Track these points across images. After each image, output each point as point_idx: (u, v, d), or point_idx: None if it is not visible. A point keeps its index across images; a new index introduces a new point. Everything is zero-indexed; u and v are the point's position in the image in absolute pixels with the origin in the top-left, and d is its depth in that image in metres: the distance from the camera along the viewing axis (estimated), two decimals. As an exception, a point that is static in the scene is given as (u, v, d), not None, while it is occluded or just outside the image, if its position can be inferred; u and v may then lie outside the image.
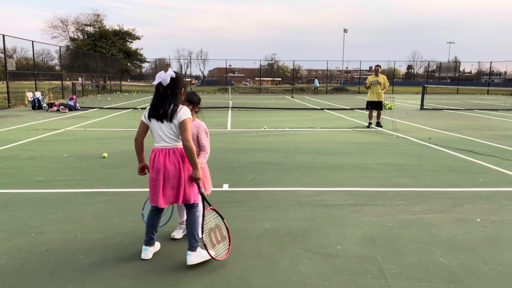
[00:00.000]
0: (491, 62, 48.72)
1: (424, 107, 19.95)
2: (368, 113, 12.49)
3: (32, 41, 22.90)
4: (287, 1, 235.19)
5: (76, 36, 46.00)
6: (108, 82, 38.95)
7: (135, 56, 48.21)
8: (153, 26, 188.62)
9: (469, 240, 3.77)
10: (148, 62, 53.27)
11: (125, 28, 47.64)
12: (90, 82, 34.80)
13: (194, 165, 3.15)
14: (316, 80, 43.00)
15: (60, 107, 16.83)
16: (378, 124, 12.06)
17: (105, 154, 7.43)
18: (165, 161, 3.13)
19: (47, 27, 50.41)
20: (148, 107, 3.21)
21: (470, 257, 3.42)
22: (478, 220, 4.30)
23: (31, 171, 6.29)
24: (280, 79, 74.35)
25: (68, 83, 28.67)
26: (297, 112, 17.60)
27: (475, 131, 11.44)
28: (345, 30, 64.75)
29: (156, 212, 3.34)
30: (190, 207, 3.27)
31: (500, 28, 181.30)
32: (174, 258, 3.36)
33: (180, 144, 3.17)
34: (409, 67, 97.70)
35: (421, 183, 5.78)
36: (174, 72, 3.15)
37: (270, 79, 72.06)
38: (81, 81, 31.01)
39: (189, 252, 3.20)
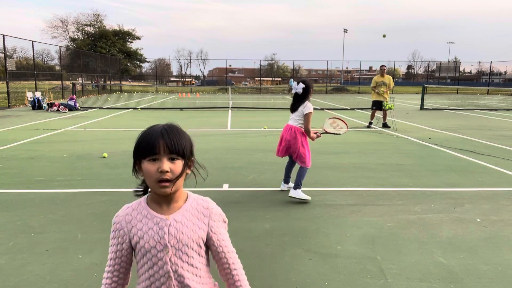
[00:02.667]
0: (491, 62, 48.80)
1: (424, 107, 19.94)
2: (371, 113, 12.49)
3: (32, 41, 22.91)
4: (287, 1, 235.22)
5: (76, 36, 45.96)
6: (108, 82, 38.96)
7: (135, 56, 48.17)
8: (153, 26, 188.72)
9: (469, 240, 3.77)
10: (148, 62, 53.26)
11: (125, 28, 47.61)
12: (90, 82, 34.81)
13: (308, 134, 5.01)
14: (292, 80, 44.16)
15: (60, 107, 16.83)
16: (385, 125, 12.02)
17: (105, 154, 7.43)
18: (289, 133, 4.98)
19: (47, 27, 50.49)
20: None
21: (470, 257, 3.42)
22: (478, 220, 4.30)
23: (31, 171, 6.29)
24: (280, 79, 74.29)
25: (68, 83, 28.68)
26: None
27: (475, 131, 11.44)
28: (345, 30, 64.81)
29: (289, 161, 5.27)
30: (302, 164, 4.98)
31: (500, 28, 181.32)
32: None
33: (300, 125, 4.98)
34: (409, 67, 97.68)
35: (421, 183, 5.78)
36: (303, 81, 4.99)
37: (270, 79, 72.07)
38: (81, 81, 31.02)
39: (292, 189, 4.90)
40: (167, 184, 1.31)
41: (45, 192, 5.18)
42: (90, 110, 17.58)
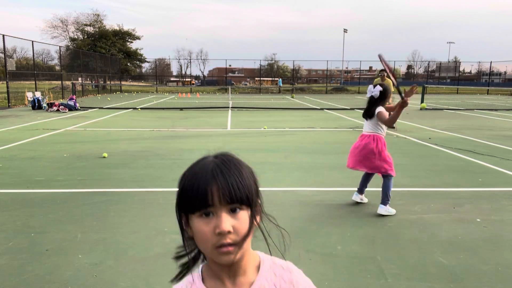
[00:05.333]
0: (491, 62, 48.72)
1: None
2: None
3: (32, 41, 22.92)
4: (287, 1, 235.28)
5: (76, 36, 46.01)
6: (108, 82, 38.98)
7: (135, 56, 48.20)
8: (153, 26, 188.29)
9: (469, 240, 3.77)
10: (148, 62, 53.31)
11: (125, 28, 47.67)
12: (90, 82, 34.81)
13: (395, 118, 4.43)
14: (280, 80, 45.99)
15: (60, 107, 16.83)
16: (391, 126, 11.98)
17: (105, 154, 7.43)
18: (365, 142, 4.57)
19: (47, 27, 50.35)
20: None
21: (470, 257, 3.42)
22: (478, 220, 4.30)
23: (31, 171, 6.29)
24: (280, 79, 74.23)
25: (68, 83, 28.68)
26: (297, 112, 17.60)
27: (475, 131, 11.44)
28: (345, 30, 64.75)
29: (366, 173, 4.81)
30: (385, 176, 4.58)
31: (500, 28, 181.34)
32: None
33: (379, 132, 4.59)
34: (409, 67, 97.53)
35: (421, 183, 5.78)
36: (382, 85, 4.56)
37: (270, 79, 72.00)
38: (81, 81, 31.02)
39: (381, 205, 4.47)
40: (230, 249, 0.87)
41: (45, 192, 5.18)
42: (90, 110, 17.58)
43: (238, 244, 0.88)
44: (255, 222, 0.93)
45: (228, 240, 0.87)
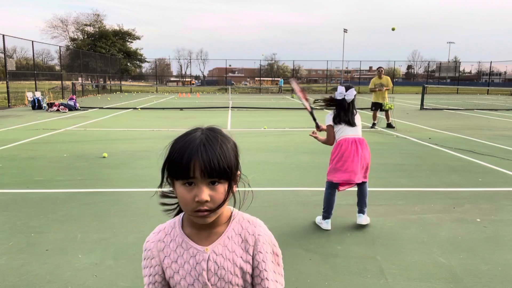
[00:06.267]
0: (491, 62, 48.71)
1: (424, 107, 19.93)
2: (372, 114, 12.49)
3: (32, 41, 22.91)
4: (287, 1, 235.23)
5: (76, 36, 45.97)
6: (108, 82, 38.96)
7: (135, 56, 48.15)
8: (153, 26, 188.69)
9: (469, 240, 3.77)
10: (148, 62, 53.27)
11: (125, 28, 47.62)
12: (90, 82, 34.80)
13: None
14: (282, 80, 46.58)
15: (60, 107, 16.82)
16: (390, 125, 12.00)
17: (105, 154, 7.43)
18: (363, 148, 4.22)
19: (47, 27, 50.20)
20: (333, 115, 4.28)
21: (470, 257, 3.42)
22: (478, 220, 4.30)
23: (31, 171, 6.29)
24: (280, 79, 74.23)
25: (68, 83, 28.67)
26: (297, 112, 17.60)
27: (475, 131, 11.43)
28: (345, 30, 64.61)
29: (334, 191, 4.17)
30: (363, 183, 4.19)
31: (500, 28, 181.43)
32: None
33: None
34: (409, 67, 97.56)
35: (421, 183, 5.78)
36: (350, 86, 4.12)
37: (270, 79, 71.98)
38: (81, 81, 31.01)
39: (360, 214, 4.10)
40: (205, 213, 1.04)
41: (45, 192, 5.18)
42: (90, 110, 17.58)
43: (213, 210, 1.04)
44: (231, 191, 1.09)
45: (205, 207, 1.03)
